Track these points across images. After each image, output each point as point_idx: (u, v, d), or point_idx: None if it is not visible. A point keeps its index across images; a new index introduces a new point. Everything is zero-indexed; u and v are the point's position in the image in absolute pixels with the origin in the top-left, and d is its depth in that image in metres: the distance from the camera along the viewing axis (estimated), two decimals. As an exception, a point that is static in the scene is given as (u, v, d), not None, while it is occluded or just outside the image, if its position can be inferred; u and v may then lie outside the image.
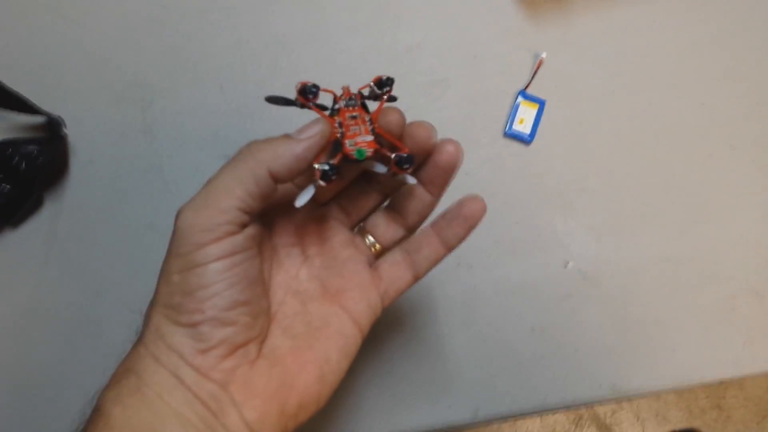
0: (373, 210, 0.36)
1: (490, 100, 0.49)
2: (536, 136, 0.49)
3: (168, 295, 0.29)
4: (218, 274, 0.28)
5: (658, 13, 0.51)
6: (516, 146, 0.49)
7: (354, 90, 0.31)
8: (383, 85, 0.31)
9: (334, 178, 0.29)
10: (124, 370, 0.29)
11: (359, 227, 0.36)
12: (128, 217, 0.46)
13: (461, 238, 0.34)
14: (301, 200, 0.30)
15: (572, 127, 0.49)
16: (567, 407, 0.46)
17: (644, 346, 0.47)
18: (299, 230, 0.35)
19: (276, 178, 0.29)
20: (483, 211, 0.34)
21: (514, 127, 0.48)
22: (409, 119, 0.32)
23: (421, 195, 0.34)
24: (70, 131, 0.46)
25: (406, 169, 0.31)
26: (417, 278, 0.35)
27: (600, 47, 0.51)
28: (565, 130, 0.49)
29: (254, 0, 0.50)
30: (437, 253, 0.35)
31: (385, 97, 0.31)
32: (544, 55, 0.49)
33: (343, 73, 0.49)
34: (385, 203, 0.36)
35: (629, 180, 0.49)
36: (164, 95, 0.48)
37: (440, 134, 0.32)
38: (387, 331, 0.46)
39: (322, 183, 0.29)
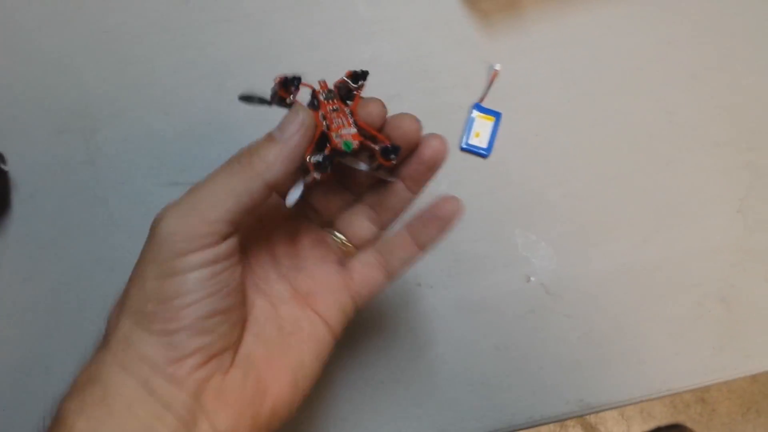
0: (344, 208, 0.35)
1: (445, 115, 0.48)
2: (493, 150, 0.48)
3: (140, 302, 0.27)
4: (198, 282, 0.27)
5: (614, 18, 0.51)
6: (473, 160, 0.48)
7: (329, 85, 0.30)
8: (357, 78, 0.30)
9: (329, 169, 0.28)
10: (87, 379, 0.27)
11: (330, 226, 0.35)
12: (74, 253, 0.44)
13: (436, 239, 0.33)
14: (292, 198, 0.29)
15: (530, 138, 0.48)
16: (535, 425, 0.45)
17: (611, 358, 0.46)
18: (268, 231, 0.33)
19: (274, 187, 0.28)
20: (459, 211, 0.33)
21: (470, 141, 0.47)
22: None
23: (400, 191, 0.33)
24: (11, 165, 0.45)
25: (392, 159, 0.29)
26: (390, 279, 0.34)
27: (555, 56, 0.50)
28: (522, 142, 0.48)
29: (199, 21, 0.48)
30: (411, 253, 0.34)
31: (361, 90, 0.30)
32: (498, 67, 0.48)
33: (293, 93, 0.48)
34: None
35: (589, 190, 0.48)
36: (107, 123, 0.46)
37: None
38: (346, 355, 0.44)
39: (317, 176, 0.28)
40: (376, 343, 0.45)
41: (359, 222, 0.34)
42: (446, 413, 0.44)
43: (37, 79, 0.46)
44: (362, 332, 0.45)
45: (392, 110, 0.48)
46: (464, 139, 0.47)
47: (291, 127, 0.28)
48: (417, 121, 0.31)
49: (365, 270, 0.34)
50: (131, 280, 0.28)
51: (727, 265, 0.47)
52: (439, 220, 0.33)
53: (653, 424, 1.25)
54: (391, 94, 0.48)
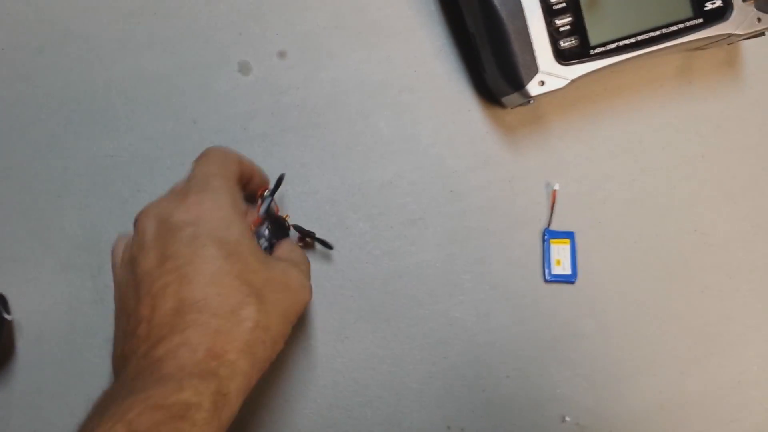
0: None
1: (469, 239, 0.46)
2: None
3: None
4: None
5: (646, 132, 0.48)
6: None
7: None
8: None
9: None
10: None
11: None
12: (84, 400, 0.42)
13: None
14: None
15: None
16: None
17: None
18: None
19: None
20: None
21: (553, 271, 0.46)
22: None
23: None
24: (14, 308, 0.42)
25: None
26: None
27: (583, 173, 0.47)
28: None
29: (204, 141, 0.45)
30: None
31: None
32: (557, 186, 0.46)
33: (311, 215, 0.45)
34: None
35: (623, 320, 0.46)
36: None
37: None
38: None
39: None
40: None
41: None
42: None
43: (38, 211, 0.44)
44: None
45: (414, 236, 0.46)
46: (546, 269, 0.46)
47: None
48: None
49: None
50: None
51: (766, 398, 0.45)
52: None
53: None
54: (414, 218, 0.46)
